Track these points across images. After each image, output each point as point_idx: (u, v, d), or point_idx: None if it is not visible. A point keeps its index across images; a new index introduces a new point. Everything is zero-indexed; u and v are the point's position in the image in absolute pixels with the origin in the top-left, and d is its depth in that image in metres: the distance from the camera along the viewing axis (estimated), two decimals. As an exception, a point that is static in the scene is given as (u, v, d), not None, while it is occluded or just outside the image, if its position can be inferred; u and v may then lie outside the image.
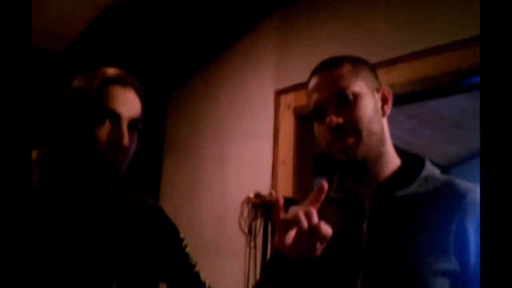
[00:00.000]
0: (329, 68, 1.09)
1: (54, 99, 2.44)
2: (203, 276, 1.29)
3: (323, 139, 1.08)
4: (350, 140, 1.04)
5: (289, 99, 2.46)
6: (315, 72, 1.12)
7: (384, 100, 1.12)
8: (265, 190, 2.44)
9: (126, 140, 1.05)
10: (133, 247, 1.13)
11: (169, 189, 3.05)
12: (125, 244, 1.12)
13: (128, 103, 1.08)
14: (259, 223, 2.42)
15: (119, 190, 1.18)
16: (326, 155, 1.13)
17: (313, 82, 1.11)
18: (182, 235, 1.29)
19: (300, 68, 2.45)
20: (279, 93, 2.50)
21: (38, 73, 2.61)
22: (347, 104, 1.05)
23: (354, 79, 1.07)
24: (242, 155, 2.63)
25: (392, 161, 1.11)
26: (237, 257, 2.53)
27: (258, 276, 2.38)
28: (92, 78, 1.09)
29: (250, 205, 2.44)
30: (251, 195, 2.42)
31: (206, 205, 2.78)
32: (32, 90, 2.71)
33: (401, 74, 2.04)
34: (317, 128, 1.10)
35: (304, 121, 2.43)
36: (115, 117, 1.06)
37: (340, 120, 1.04)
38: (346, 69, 1.08)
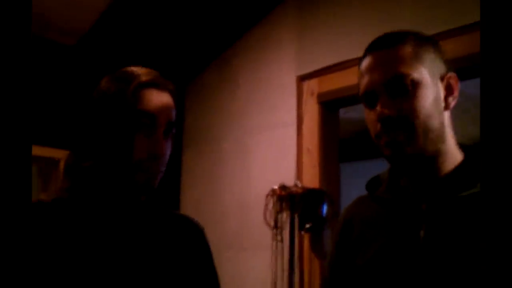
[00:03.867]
0: (386, 47, 0.94)
1: (77, 98, 2.36)
2: None
3: (372, 128, 0.95)
4: (401, 136, 0.91)
5: (312, 85, 2.34)
6: (369, 49, 0.98)
7: (448, 90, 0.96)
8: (290, 181, 2.34)
9: (164, 149, 1.00)
10: (165, 260, 1.04)
11: (190, 182, 2.97)
12: (157, 257, 1.03)
13: (165, 107, 1.02)
14: (285, 216, 2.32)
15: (153, 200, 1.10)
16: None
17: (365, 62, 0.96)
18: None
19: (323, 52, 2.33)
20: (301, 79, 2.39)
21: (50, 66, 2.54)
22: (403, 93, 0.91)
23: (415, 63, 0.92)
24: (264, 145, 2.53)
25: (454, 157, 0.96)
26: (262, 251, 2.44)
27: (285, 271, 2.30)
28: (126, 81, 1.01)
29: (275, 197, 2.34)
30: (276, 187, 2.32)
31: (229, 198, 2.68)
32: (41, 83, 2.58)
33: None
34: (367, 114, 0.97)
35: (329, 108, 2.32)
36: (153, 122, 0.99)
37: (393, 111, 0.90)
38: (407, 50, 0.93)
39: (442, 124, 0.94)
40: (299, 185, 2.28)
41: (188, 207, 2.94)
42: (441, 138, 0.94)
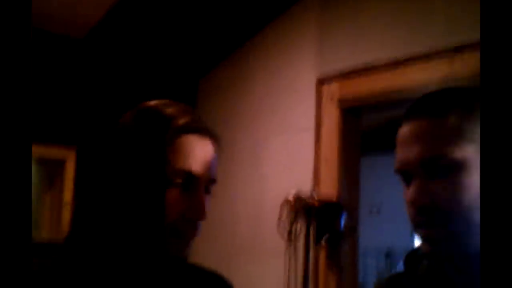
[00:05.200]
0: (425, 117, 0.78)
1: (86, 94, 2.21)
2: None
3: (407, 210, 0.80)
4: (437, 231, 0.76)
5: (332, 89, 2.19)
6: (408, 115, 0.82)
7: None
8: (306, 189, 2.20)
9: (205, 212, 0.81)
10: None
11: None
12: None
13: (208, 161, 0.83)
14: (299, 227, 2.20)
15: (185, 257, 0.89)
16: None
17: (402, 132, 0.81)
18: None
19: (346, 52, 2.16)
20: (321, 82, 2.23)
21: (57, 60, 2.43)
22: (442, 177, 0.76)
23: (459, 140, 0.76)
24: (280, 150, 2.39)
25: None
26: (275, 261, 2.33)
27: (299, 283, 2.19)
28: (159, 125, 0.81)
29: (290, 207, 2.21)
30: (290, 197, 2.19)
31: (241, 203, 2.57)
32: (49, 79, 2.44)
33: (466, 65, 1.73)
34: (404, 191, 0.82)
35: (351, 114, 2.17)
36: (192, 181, 0.81)
37: (427, 199, 0.75)
38: (450, 123, 0.76)
39: None
40: (316, 196, 2.15)
41: None
42: None
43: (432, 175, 0.76)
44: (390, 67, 1.96)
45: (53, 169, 2.35)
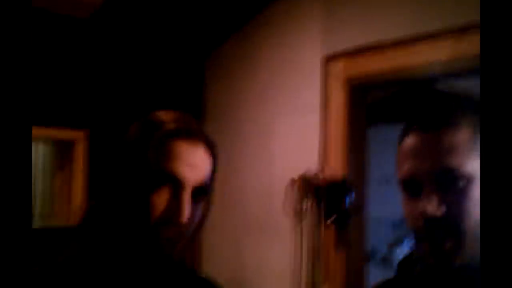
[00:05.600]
0: (435, 129, 0.76)
1: (92, 74, 2.20)
2: None
3: (411, 221, 0.80)
4: (448, 244, 0.75)
5: (339, 67, 2.16)
6: (414, 126, 0.80)
7: None
8: (313, 169, 2.21)
9: (185, 215, 0.82)
10: None
11: (210, 158, 2.86)
12: None
13: (195, 165, 0.84)
14: (307, 206, 2.21)
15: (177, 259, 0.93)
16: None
17: (408, 142, 0.79)
18: None
19: (353, 32, 2.13)
20: (327, 60, 2.20)
21: (62, 41, 2.42)
22: (454, 190, 0.74)
23: (470, 151, 0.74)
24: (287, 130, 2.38)
25: None
26: (283, 239, 2.35)
27: (307, 261, 2.21)
28: (150, 128, 0.85)
29: (297, 187, 2.22)
30: (297, 177, 2.19)
31: (250, 181, 2.58)
32: (54, 59, 2.43)
33: (472, 46, 1.70)
34: (406, 202, 0.81)
35: (358, 93, 2.15)
36: (177, 184, 0.82)
37: (439, 212, 0.74)
38: (462, 135, 0.75)
39: None
40: (322, 176, 2.15)
41: None
42: None
43: (445, 188, 0.75)
44: (397, 45, 1.93)
45: (63, 150, 2.37)
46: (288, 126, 2.38)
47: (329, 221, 2.11)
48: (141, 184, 0.82)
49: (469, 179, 0.74)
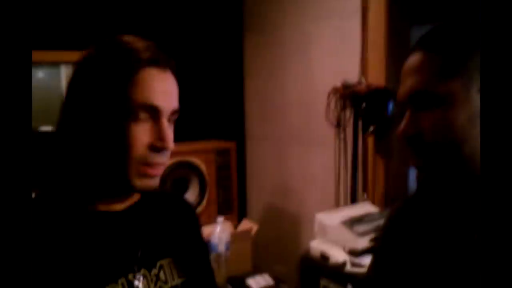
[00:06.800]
0: (422, 50, 0.79)
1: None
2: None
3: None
4: (424, 161, 0.81)
5: (380, -32, 2.05)
6: (414, 46, 0.83)
7: None
8: (354, 76, 2.16)
9: (171, 141, 0.84)
10: (165, 239, 0.96)
11: (251, 70, 2.85)
12: (158, 238, 0.94)
13: (169, 91, 0.84)
14: (348, 114, 2.19)
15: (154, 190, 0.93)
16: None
17: (406, 62, 0.83)
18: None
19: None
20: (368, -39, 2.09)
21: None
22: (427, 110, 0.78)
23: (445, 75, 0.76)
24: (326, 36, 2.32)
25: None
26: (325, 148, 2.37)
27: (348, 169, 2.23)
28: (120, 58, 0.81)
29: (338, 95, 2.19)
30: (339, 84, 2.16)
31: (291, 91, 2.57)
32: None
33: None
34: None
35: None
36: (155, 113, 0.83)
37: (413, 131, 0.79)
38: (441, 58, 0.77)
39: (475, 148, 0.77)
40: (364, 82, 2.11)
41: (251, 96, 2.86)
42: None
43: (418, 108, 0.79)
44: None
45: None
46: (327, 33, 2.31)
47: (369, 130, 2.09)
48: (119, 115, 0.81)
49: (441, 101, 0.76)
